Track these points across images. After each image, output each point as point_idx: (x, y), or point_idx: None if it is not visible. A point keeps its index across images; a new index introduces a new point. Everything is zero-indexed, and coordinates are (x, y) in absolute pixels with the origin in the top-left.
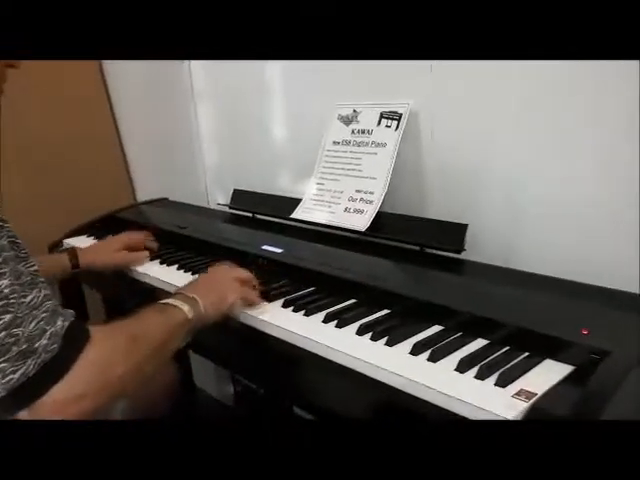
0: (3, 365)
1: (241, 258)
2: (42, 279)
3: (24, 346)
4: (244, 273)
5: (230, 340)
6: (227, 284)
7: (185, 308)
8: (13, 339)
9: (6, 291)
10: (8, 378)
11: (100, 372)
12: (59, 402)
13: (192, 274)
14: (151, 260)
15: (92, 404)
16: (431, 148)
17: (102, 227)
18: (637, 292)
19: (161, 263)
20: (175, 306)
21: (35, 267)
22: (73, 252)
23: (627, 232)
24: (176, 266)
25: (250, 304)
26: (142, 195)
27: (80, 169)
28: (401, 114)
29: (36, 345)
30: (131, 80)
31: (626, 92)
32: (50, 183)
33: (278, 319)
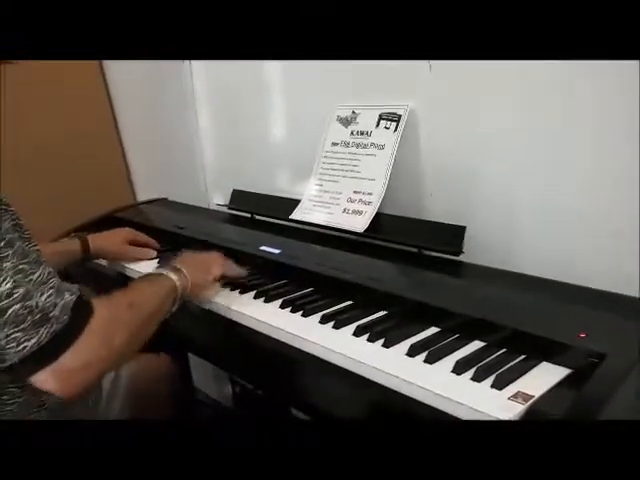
0: (18, 334)
1: (239, 258)
2: (44, 259)
3: (38, 316)
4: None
5: (228, 341)
6: (212, 262)
7: (173, 277)
8: (27, 310)
9: (11, 272)
10: (22, 346)
11: (103, 341)
12: (67, 369)
13: None
14: (149, 260)
15: (96, 372)
16: (429, 150)
17: (101, 227)
18: (637, 295)
19: (159, 263)
20: (163, 274)
21: (37, 247)
22: (84, 238)
23: (627, 235)
24: None
25: (235, 281)
26: (142, 195)
27: (80, 169)
28: (400, 116)
29: (50, 315)
30: (131, 79)
31: (626, 92)
32: (49, 183)
33: (276, 320)
